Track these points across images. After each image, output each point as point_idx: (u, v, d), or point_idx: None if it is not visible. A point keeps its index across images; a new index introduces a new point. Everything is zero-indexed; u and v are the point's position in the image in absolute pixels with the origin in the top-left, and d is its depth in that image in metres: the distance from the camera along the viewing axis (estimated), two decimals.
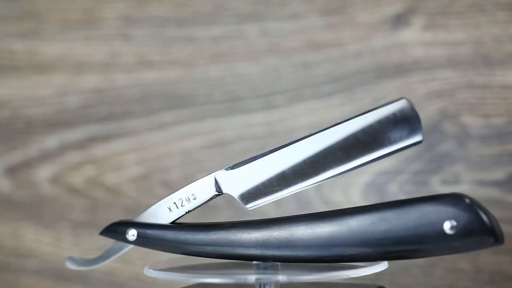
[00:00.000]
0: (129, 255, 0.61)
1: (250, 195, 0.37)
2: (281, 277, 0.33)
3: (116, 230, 0.41)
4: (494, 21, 0.53)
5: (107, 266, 0.62)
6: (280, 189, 0.36)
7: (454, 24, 0.54)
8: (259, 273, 0.35)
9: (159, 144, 0.61)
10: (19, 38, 0.65)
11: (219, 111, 0.59)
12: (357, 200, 0.56)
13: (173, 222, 0.40)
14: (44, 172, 0.64)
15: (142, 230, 0.40)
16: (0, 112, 0.65)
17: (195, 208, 0.40)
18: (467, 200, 0.32)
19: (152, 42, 0.61)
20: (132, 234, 0.41)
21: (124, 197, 0.62)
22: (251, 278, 0.34)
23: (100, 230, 0.63)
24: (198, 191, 0.39)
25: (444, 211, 0.32)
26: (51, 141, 0.64)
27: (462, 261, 0.53)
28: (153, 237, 0.40)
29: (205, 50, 0.60)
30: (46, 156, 0.64)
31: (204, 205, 0.60)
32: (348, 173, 0.56)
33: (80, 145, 0.63)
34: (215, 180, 0.39)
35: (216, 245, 0.37)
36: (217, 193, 0.39)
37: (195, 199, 0.39)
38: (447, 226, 0.32)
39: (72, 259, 0.43)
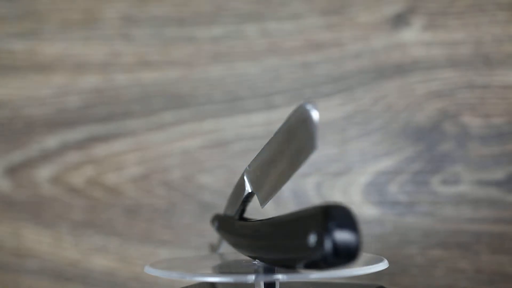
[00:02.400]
0: (129, 255, 0.62)
1: (264, 193, 0.37)
2: (281, 276, 0.33)
3: (213, 220, 0.42)
4: (494, 21, 0.53)
5: (107, 266, 0.62)
6: (281, 184, 0.36)
7: (454, 24, 0.54)
8: (259, 272, 0.35)
9: (159, 144, 0.61)
10: (19, 38, 0.65)
11: (219, 111, 0.59)
12: (357, 200, 0.56)
13: (240, 218, 0.40)
14: (44, 172, 0.64)
15: (219, 223, 0.41)
16: (0, 112, 0.65)
17: (241, 206, 0.40)
18: (329, 215, 0.29)
19: (152, 42, 0.61)
20: (215, 225, 0.41)
21: (124, 197, 0.62)
22: (251, 277, 0.34)
23: (100, 230, 0.63)
24: (241, 189, 0.39)
25: (311, 224, 0.30)
26: (51, 141, 0.64)
27: (462, 261, 0.53)
28: (223, 229, 0.40)
29: (205, 50, 0.60)
30: (46, 156, 0.64)
31: (204, 205, 0.60)
32: (347, 173, 0.56)
33: (80, 145, 0.63)
34: (245, 177, 0.38)
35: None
36: (249, 191, 0.38)
37: (241, 196, 0.39)
38: (309, 240, 0.30)
39: (211, 245, 0.46)
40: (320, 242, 0.29)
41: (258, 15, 0.59)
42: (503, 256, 0.52)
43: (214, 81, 0.60)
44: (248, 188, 0.38)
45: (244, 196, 0.39)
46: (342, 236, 0.29)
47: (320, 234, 0.29)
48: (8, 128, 0.65)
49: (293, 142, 0.33)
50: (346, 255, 0.29)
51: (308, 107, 0.31)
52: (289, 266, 0.33)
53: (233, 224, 0.40)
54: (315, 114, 0.31)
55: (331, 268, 0.30)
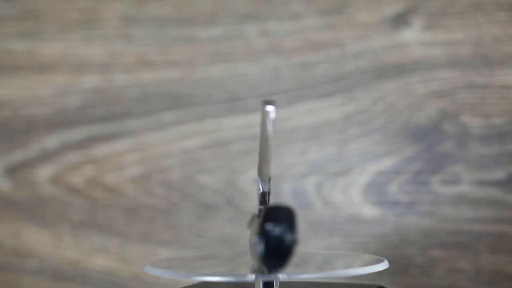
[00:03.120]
0: (129, 255, 0.62)
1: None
2: (281, 276, 0.33)
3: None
4: (494, 21, 0.53)
5: (107, 266, 0.62)
6: (266, 185, 0.36)
7: (454, 24, 0.54)
8: (259, 272, 0.35)
9: (159, 144, 0.61)
10: (19, 38, 0.65)
11: (219, 111, 0.59)
12: (357, 200, 0.56)
13: None
14: (44, 172, 0.64)
15: (250, 222, 0.41)
16: (0, 112, 0.65)
17: (260, 205, 0.39)
18: (266, 217, 0.30)
19: (152, 42, 0.61)
20: (248, 224, 0.41)
21: (124, 197, 0.62)
22: (251, 276, 0.34)
23: (100, 230, 0.63)
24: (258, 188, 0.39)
25: (257, 226, 0.31)
26: (51, 141, 0.64)
27: (462, 261, 0.53)
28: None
29: (205, 50, 0.60)
30: (46, 156, 0.64)
31: (204, 205, 0.60)
32: (347, 173, 0.56)
33: (80, 145, 0.63)
34: (258, 177, 0.38)
35: None
36: (261, 190, 0.38)
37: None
38: (252, 241, 0.31)
39: None
40: (256, 243, 0.29)
41: (258, 15, 0.59)
42: (503, 256, 0.52)
43: (214, 81, 0.60)
44: (260, 188, 0.38)
45: (259, 196, 0.39)
46: (273, 237, 0.29)
47: (257, 235, 0.29)
48: (8, 128, 0.65)
49: (262, 143, 0.33)
50: (276, 256, 0.29)
51: (266, 108, 0.31)
52: (262, 267, 0.33)
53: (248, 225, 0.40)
54: (271, 116, 0.31)
55: (276, 268, 0.30)
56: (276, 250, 0.29)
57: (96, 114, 0.63)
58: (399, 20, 0.55)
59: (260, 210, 0.39)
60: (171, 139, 0.61)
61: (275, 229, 0.29)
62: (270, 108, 0.31)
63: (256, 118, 0.58)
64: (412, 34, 0.55)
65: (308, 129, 0.57)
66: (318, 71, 0.57)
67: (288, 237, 0.29)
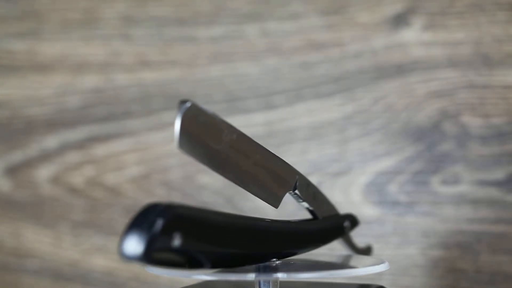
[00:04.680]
0: None
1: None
2: (281, 275, 0.33)
3: None
4: (494, 21, 0.53)
5: (107, 266, 0.62)
6: None
7: (454, 24, 0.54)
8: (259, 271, 0.35)
9: (159, 144, 0.61)
10: (19, 38, 0.65)
11: (219, 111, 0.59)
12: (357, 200, 0.56)
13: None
14: (44, 172, 0.64)
15: None
16: (0, 112, 0.65)
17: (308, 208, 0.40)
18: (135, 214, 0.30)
19: (152, 42, 0.61)
20: None
21: (124, 197, 0.62)
22: (251, 275, 0.34)
23: (100, 230, 0.63)
24: None
25: None
26: (51, 141, 0.64)
27: (462, 261, 0.53)
28: None
29: (205, 50, 0.60)
30: (46, 156, 0.64)
31: (204, 205, 0.60)
32: (347, 173, 0.56)
33: (80, 145, 0.63)
34: None
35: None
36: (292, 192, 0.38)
37: None
38: None
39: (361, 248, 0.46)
40: None
41: (258, 15, 0.59)
42: (503, 256, 0.52)
43: (214, 81, 0.60)
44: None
45: (296, 198, 0.39)
46: (129, 235, 0.29)
47: None
48: (8, 128, 0.65)
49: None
50: (129, 253, 0.29)
51: (185, 106, 0.31)
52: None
53: None
54: (179, 115, 0.31)
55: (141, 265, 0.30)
56: (129, 248, 0.29)
57: (96, 114, 0.63)
58: (399, 20, 0.55)
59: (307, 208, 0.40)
60: (171, 139, 0.61)
61: (131, 228, 0.29)
62: (188, 105, 0.31)
63: (256, 118, 0.58)
64: (412, 34, 0.55)
65: (308, 129, 0.57)
66: (318, 71, 0.57)
67: (139, 235, 0.29)
